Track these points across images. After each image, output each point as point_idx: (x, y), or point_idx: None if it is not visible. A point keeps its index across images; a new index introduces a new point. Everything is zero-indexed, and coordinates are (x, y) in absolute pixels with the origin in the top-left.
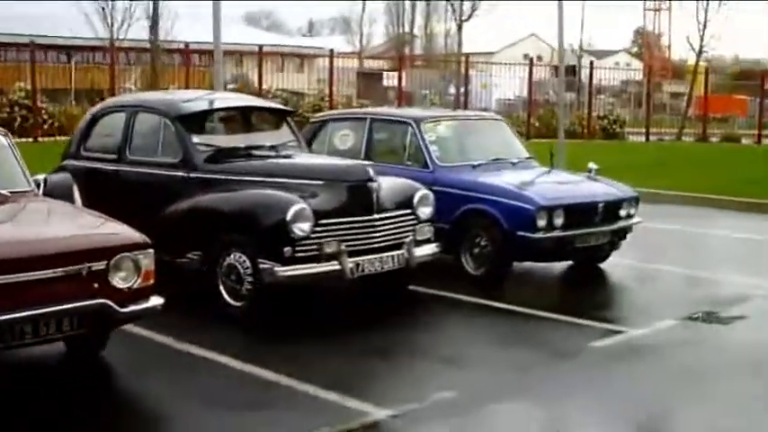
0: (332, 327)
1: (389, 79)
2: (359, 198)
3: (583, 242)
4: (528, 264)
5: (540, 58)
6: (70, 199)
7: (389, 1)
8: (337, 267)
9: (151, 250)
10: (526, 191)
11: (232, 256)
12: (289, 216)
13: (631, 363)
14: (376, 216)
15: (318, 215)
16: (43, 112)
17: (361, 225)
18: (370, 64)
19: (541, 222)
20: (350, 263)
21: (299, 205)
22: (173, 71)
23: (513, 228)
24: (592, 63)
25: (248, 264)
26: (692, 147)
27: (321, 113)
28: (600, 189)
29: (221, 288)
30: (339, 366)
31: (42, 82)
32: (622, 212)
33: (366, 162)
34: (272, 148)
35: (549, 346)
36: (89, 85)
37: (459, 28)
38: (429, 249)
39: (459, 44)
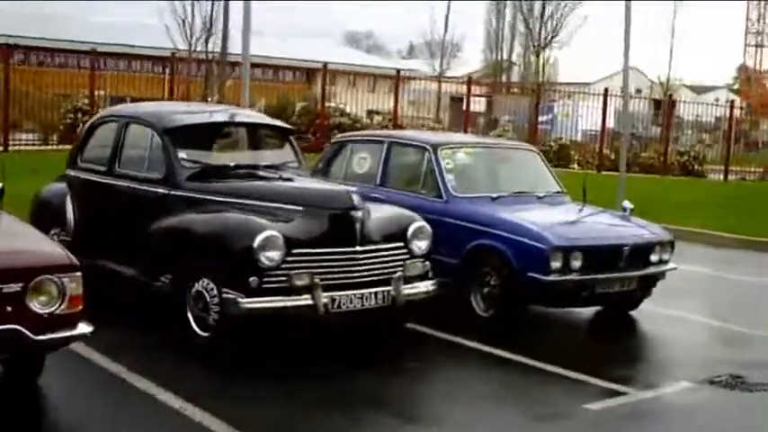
0: (301, 367)
1: (475, 104)
2: (340, 227)
3: (604, 288)
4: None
5: (638, 91)
6: (62, 210)
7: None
8: (309, 302)
9: (79, 273)
10: (541, 228)
11: (200, 282)
12: (256, 243)
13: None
14: (359, 248)
15: (291, 244)
16: None
17: (340, 257)
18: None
19: (555, 264)
20: (324, 298)
21: (268, 232)
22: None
23: (523, 268)
24: (670, 96)
25: (215, 292)
26: None
27: (342, 135)
28: (629, 230)
29: (189, 316)
30: (286, 416)
31: (109, 89)
32: (653, 257)
33: (351, 188)
34: (267, 168)
35: (537, 407)
36: (151, 94)
37: (537, 55)
38: (422, 287)
39: (537, 72)
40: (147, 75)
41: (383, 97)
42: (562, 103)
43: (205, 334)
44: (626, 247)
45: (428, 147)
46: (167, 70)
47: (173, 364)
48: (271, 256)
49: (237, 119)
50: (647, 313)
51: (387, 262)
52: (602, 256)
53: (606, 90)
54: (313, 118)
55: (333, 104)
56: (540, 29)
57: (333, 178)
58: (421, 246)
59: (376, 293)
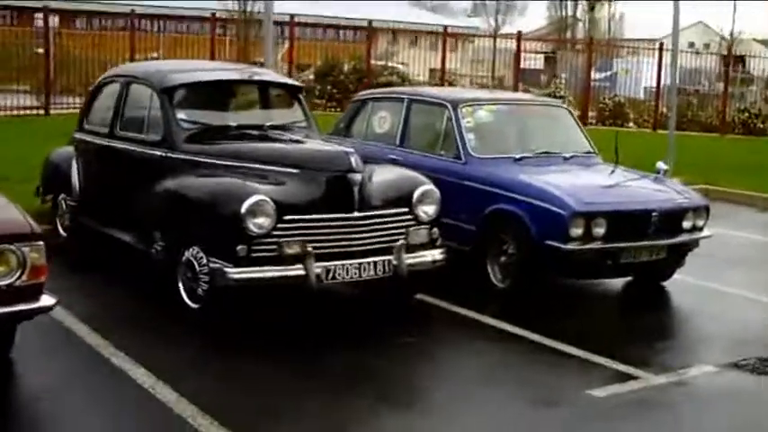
0: (292, 342)
1: (530, 61)
2: (336, 192)
3: (630, 257)
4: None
5: (707, 46)
6: (69, 174)
7: None
8: (301, 272)
9: (41, 242)
10: (562, 192)
11: (190, 250)
12: (244, 209)
13: (624, 423)
14: (356, 214)
15: (283, 209)
16: None
17: (336, 224)
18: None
19: (576, 231)
20: (318, 268)
21: (257, 197)
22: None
23: (541, 236)
24: (729, 50)
25: (205, 261)
26: None
27: (362, 92)
28: (659, 195)
29: (180, 286)
30: (269, 390)
31: (161, 51)
32: (686, 224)
33: (349, 149)
34: (273, 128)
35: (536, 391)
36: (184, 54)
37: (592, 9)
38: (428, 256)
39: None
40: (194, 36)
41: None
42: (622, 60)
43: (196, 305)
44: (654, 213)
45: (447, 104)
46: (221, 30)
47: (161, 340)
48: (260, 223)
49: (241, 77)
50: (681, 284)
51: (388, 229)
52: (627, 222)
53: (661, 44)
54: (361, 77)
55: (387, 63)
56: None
57: (354, 138)
58: (428, 211)
59: (375, 263)
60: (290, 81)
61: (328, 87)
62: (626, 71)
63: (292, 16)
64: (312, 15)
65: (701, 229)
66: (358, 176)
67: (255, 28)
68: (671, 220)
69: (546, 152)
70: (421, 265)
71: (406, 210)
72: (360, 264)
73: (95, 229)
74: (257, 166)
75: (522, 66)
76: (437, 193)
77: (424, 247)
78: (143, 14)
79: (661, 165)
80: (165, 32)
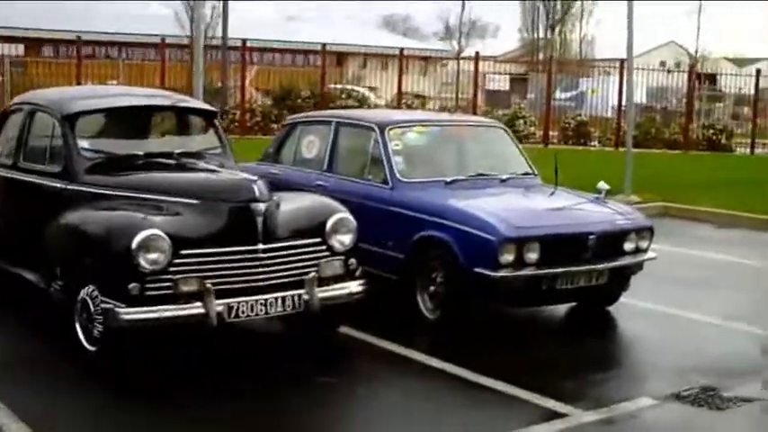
0: (196, 385)
1: (493, 82)
2: (239, 223)
3: (567, 283)
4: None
5: (678, 65)
6: None
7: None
8: (200, 311)
9: None
10: (491, 217)
11: (86, 289)
12: (135, 244)
13: None
14: (261, 246)
15: (180, 243)
16: None
17: (238, 258)
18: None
19: (506, 257)
20: (219, 305)
21: (149, 231)
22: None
23: (470, 263)
24: (691, 68)
25: (99, 300)
26: None
27: (294, 116)
28: (598, 217)
29: (77, 327)
30: None
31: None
32: (628, 246)
33: (253, 177)
34: (184, 155)
35: None
36: (140, 82)
37: (552, 29)
38: (344, 289)
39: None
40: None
41: (417, 79)
42: (589, 80)
43: (93, 348)
44: (592, 236)
45: (374, 126)
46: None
47: (45, 387)
48: (153, 259)
49: (151, 102)
50: (628, 308)
51: (298, 261)
52: (563, 246)
53: (622, 62)
54: (318, 101)
55: (345, 87)
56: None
57: (282, 164)
58: (343, 241)
59: (284, 299)
60: (204, 106)
61: (285, 112)
62: (593, 90)
63: (244, 41)
64: (271, 41)
65: (644, 250)
66: (262, 206)
67: (212, 53)
68: (611, 242)
69: (480, 174)
70: (336, 298)
71: (319, 240)
72: (266, 300)
73: (1, 267)
74: (156, 197)
75: (489, 87)
76: (353, 221)
77: (339, 279)
78: (95, 41)
79: (602, 185)
80: (125, 59)
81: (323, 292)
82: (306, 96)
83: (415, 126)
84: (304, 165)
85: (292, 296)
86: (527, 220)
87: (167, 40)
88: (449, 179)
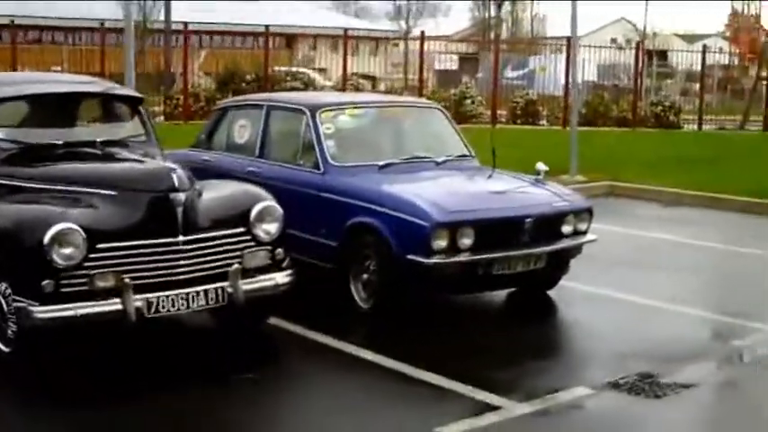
0: (107, 383)
1: (442, 63)
2: (157, 214)
3: (504, 268)
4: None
5: (628, 41)
6: None
7: None
8: (118, 307)
9: None
10: (423, 202)
11: None
12: (47, 238)
13: None
14: (181, 238)
15: (96, 237)
16: None
17: (157, 251)
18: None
19: (439, 243)
20: (138, 301)
21: (62, 225)
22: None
23: (402, 250)
24: (638, 45)
25: (12, 298)
26: (750, 137)
27: (223, 101)
28: (535, 199)
29: None
30: None
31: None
32: (566, 228)
33: (173, 165)
34: (106, 144)
35: (379, 429)
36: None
37: (499, 7)
38: (270, 280)
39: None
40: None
41: (367, 60)
42: (538, 58)
43: (7, 349)
44: (528, 219)
45: (305, 110)
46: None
47: None
48: (67, 254)
49: (71, 89)
50: (568, 292)
51: (221, 253)
52: (498, 230)
53: (569, 40)
54: (262, 85)
55: (291, 69)
56: None
57: (214, 150)
58: (269, 230)
59: (206, 292)
60: (128, 92)
61: (229, 96)
62: (542, 69)
63: (186, 24)
64: (212, 23)
65: (583, 233)
66: (182, 196)
67: (153, 37)
68: (548, 225)
69: (415, 157)
70: (262, 290)
71: (243, 230)
72: (188, 294)
73: None
74: (72, 188)
75: (437, 67)
76: (278, 209)
77: (265, 270)
78: (37, 26)
79: (540, 166)
80: (71, 45)
81: (247, 284)
82: (251, 80)
83: (347, 108)
84: (236, 151)
85: (215, 289)
86: (461, 205)
87: (109, 25)
88: (382, 163)
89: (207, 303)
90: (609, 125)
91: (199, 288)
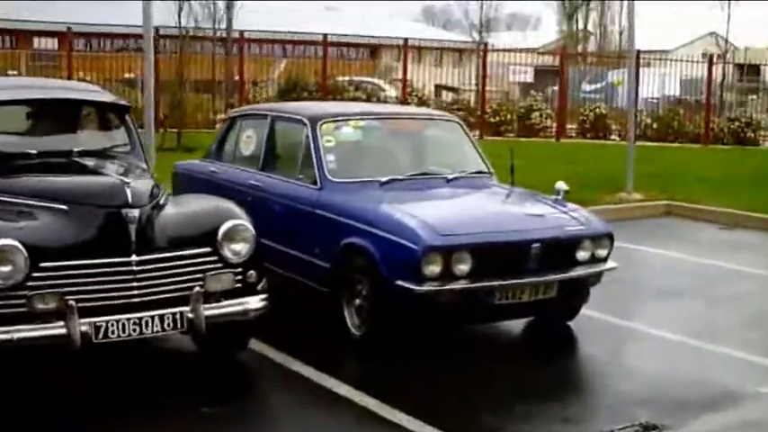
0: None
1: (517, 74)
2: (108, 232)
3: (507, 298)
4: None
5: (719, 56)
6: None
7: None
8: (61, 331)
9: None
10: (417, 223)
11: None
12: None
13: None
14: (135, 258)
15: (39, 255)
16: None
17: (107, 271)
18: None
19: (431, 269)
20: (84, 325)
21: (1, 241)
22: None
23: (392, 275)
24: (711, 57)
25: None
26: None
27: (235, 109)
28: (545, 222)
29: None
30: None
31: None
32: (581, 255)
33: (127, 179)
34: (83, 154)
35: None
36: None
37: (570, 18)
38: (238, 305)
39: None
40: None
41: (450, 71)
42: (616, 71)
43: None
44: (536, 244)
45: (306, 120)
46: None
47: None
48: (6, 272)
49: (48, 96)
50: (590, 324)
51: (183, 275)
52: (500, 256)
53: (638, 53)
54: (325, 94)
55: (353, 78)
56: None
57: (223, 161)
58: (238, 250)
59: (162, 317)
60: (113, 100)
61: None
62: (619, 82)
63: (242, 33)
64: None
65: (603, 260)
66: (136, 212)
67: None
68: (560, 251)
69: (422, 174)
70: (228, 316)
71: (209, 250)
72: (140, 318)
73: None
74: (19, 201)
75: (512, 79)
76: (250, 228)
77: (234, 293)
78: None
79: (560, 185)
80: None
81: (211, 310)
82: (313, 90)
83: (350, 120)
84: (242, 162)
85: (173, 314)
86: (458, 227)
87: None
88: (384, 179)
89: (163, 329)
90: (681, 141)
91: (153, 313)
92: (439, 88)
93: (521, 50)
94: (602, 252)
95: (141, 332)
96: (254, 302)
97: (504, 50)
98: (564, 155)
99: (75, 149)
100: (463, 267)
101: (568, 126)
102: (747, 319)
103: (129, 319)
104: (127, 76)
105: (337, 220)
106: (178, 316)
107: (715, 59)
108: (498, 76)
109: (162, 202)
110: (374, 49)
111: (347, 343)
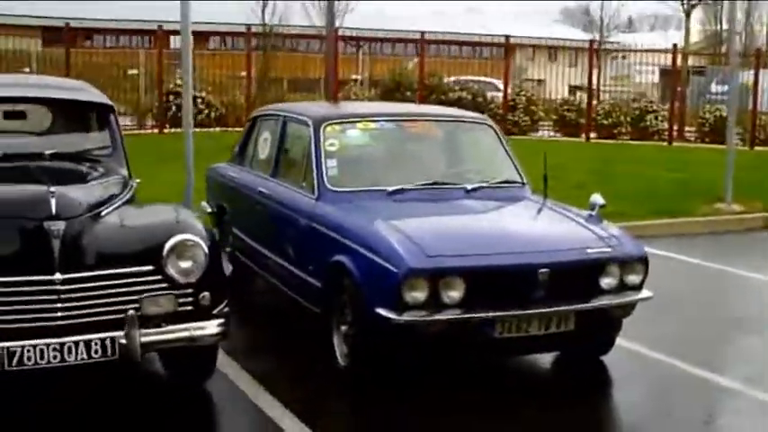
0: None
1: (642, 74)
2: (29, 247)
3: (509, 331)
4: None
5: None
6: None
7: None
8: None
9: None
10: (402, 242)
11: None
12: None
13: None
14: (59, 276)
15: None
16: (199, 101)
17: (26, 290)
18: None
19: (413, 295)
20: None
21: None
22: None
23: (372, 301)
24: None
25: None
26: None
27: (260, 109)
28: (559, 243)
29: None
30: None
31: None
32: (606, 282)
33: (54, 189)
34: (57, 157)
35: None
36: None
37: (687, 15)
38: (182, 331)
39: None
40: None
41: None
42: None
43: None
44: (544, 269)
45: (309, 122)
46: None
47: None
48: None
49: (22, 93)
50: (628, 363)
51: (115, 295)
52: (500, 282)
53: (758, 51)
54: (429, 94)
55: (459, 78)
56: None
57: (244, 165)
58: (187, 269)
59: (89, 343)
60: (95, 99)
61: None
62: (747, 83)
63: (423, 33)
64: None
65: (635, 287)
66: (61, 225)
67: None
68: (577, 277)
69: (439, 183)
70: (170, 342)
71: (151, 268)
72: (62, 344)
73: None
74: None
75: (636, 80)
76: (201, 244)
77: (182, 317)
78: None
79: (596, 199)
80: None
81: (149, 336)
82: (416, 90)
83: (359, 122)
84: (257, 167)
85: (102, 339)
86: (451, 247)
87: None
88: (392, 189)
89: (89, 356)
90: None
91: (78, 338)
92: (573, 89)
93: (634, 51)
94: (634, 279)
95: (63, 359)
96: (208, 328)
97: (618, 51)
98: (670, 160)
99: (47, 152)
100: (454, 294)
101: (687, 129)
102: None
103: (48, 345)
104: (130, 72)
105: (327, 235)
106: (108, 342)
107: None
108: (632, 77)
109: (106, 212)
110: (507, 49)
111: (331, 374)
